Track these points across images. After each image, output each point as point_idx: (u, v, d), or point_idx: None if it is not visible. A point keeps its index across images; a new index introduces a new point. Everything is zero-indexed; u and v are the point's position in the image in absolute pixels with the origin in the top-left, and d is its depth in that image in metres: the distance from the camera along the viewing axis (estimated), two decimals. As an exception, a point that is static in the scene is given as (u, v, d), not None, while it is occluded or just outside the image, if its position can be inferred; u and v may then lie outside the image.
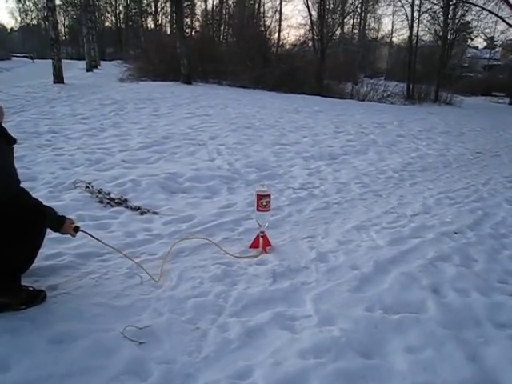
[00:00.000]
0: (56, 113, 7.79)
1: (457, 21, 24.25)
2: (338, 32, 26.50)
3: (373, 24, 40.04)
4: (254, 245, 3.05)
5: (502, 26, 24.44)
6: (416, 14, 23.03)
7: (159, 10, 44.36)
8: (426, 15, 23.86)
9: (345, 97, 18.45)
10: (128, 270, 2.59)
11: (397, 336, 2.11)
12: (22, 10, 49.73)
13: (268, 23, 26.28)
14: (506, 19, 20.93)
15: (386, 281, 2.64)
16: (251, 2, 31.86)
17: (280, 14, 29.66)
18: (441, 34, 23.41)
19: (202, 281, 2.54)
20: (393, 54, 38.06)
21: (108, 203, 3.67)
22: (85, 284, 2.41)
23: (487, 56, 36.72)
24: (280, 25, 28.80)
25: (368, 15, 36.76)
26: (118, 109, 8.68)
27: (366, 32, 37.65)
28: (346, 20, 29.04)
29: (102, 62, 31.20)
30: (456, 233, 3.58)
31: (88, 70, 23.03)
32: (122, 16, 49.68)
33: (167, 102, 10.20)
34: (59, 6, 38.09)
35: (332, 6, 25.81)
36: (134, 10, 48.21)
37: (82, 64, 24.74)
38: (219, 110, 9.76)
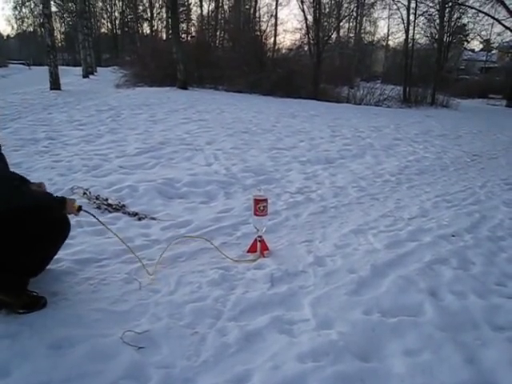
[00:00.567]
0: (53, 119, 7.79)
1: (453, 23, 24.34)
2: (334, 36, 26.59)
3: (368, 27, 40.19)
4: (252, 249, 3.06)
5: (498, 28, 24.69)
6: (412, 17, 23.06)
7: (155, 15, 44.40)
8: (421, 18, 23.92)
9: (341, 101, 18.50)
10: (126, 275, 2.60)
11: (395, 339, 2.12)
12: (18, 17, 49.65)
13: (264, 28, 26.43)
14: (503, 21, 21.07)
15: (384, 284, 2.65)
16: (247, 6, 31.99)
17: (276, 18, 29.80)
18: (437, 36, 23.48)
19: (201, 285, 2.54)
20: (389, 57, 38.20)
21: (106, 209, 3.68)
22: (83, 290, 2.41)
23: (484, 58, 36.86)
24: (276, 29, 28.97)
25: (364, 19, 36.88)
26: (115, 115, 8.69)
27: (362, 35, 37.79)
28: (341, 24, 29.26)
29: (99, 68, 31.24)
30: (453, 236, 3.59)
31: (84, 77, 23.04)
32: (117, 22, 49.78)
33: (164, 107, 10.22)
34: (55, 12, 38.19)
35: (327, 10, 25.99)
36: (129, 16, 48.27)
37: (79, 70, 24.73)
38: (216, 115, 9.79)
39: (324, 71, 20.46)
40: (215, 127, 8.01)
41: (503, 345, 2.13)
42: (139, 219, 3.57)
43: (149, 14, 44.58)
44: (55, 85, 13.21)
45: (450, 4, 22.14)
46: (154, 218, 3.61)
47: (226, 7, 34.81)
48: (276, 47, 23.75)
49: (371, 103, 18.69)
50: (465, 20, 24.90)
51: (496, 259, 3.20)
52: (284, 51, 22.43)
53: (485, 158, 7.73)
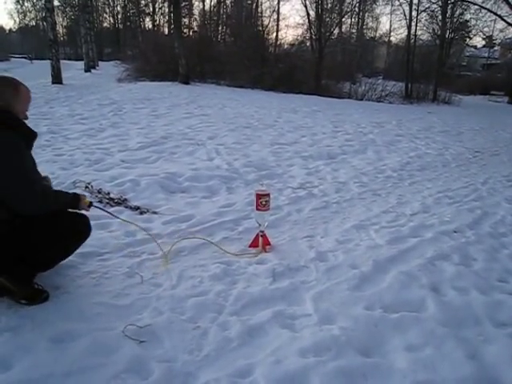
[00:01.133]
0: (55, 113, 7.79)
1: (455, 20, 24.27)
2: (336, 31, 26.45)
3: (371, 23, 40.02)
4: (254, 244, 3.06)
5: (500, 25, 24.44)
6: (414, 13, 23.03)
7: (157, 10, 44.27)
8: (424, 14, 23.88)
9: (343, 96, 18.45)
10: (128, 269, 2.60)
11: (397, 334, 2.12)
12: (20, 11, 49.60)
13: (266, 23, 26.26)
14: (505, 18, 20.99)
15: (386, 280, 2.65)
16: (249, 1, 31.81)
17: (278, 13, 29.64)
18: (439, 32, 23.39)
19: (202, 280, 2.54)
20: (391, 53, 38.03)
21: (108, 203, 3.68)
22: (85, 283, 2.41)
23: (486, 55, 36.70)
24: (278, 24, 28.82)
25: (366, 14, 36.73)
26: (117, 109, 8.68)
27: (364, 31, 37.63)
28: (343, 19, 29.03)
29: (100, 63, 31.13)
30: (455, 232, 3.59)
31: (86, 71, 22.96)
32: (119, 16, 49.62)
33: (166, 102, 10.20)
34: (57, 6, 38.01)
35: (330, 5, 25.77)
36: (131, 11, 48.10)
37: (81, 64, 24.66)
38: (217, 109, 9.77)
39: (326, 67, 20.38)
40: (217, 122, 8.00)
41: (505, 341, 2.13)
42: (141, 213, 3.57)
43: (151, 9, 44.48)
44: (57, 79, 13.19)
45: (453, 0, 22.03)
46: (155, 212, 3.61)
47: (228, 2, 34.65)
48: (278, 42, 23.73)
49: (373, 99, 18.65)
50: (467, 16, 24.90)
51: (498, 255, 3.19)
52: (286, 46, 22.43)
53: (487, 154, 7.71)
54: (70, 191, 2.53)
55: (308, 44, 22.47)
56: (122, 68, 19.11)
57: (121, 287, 2.40)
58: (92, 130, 6.53)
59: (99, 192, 3.85)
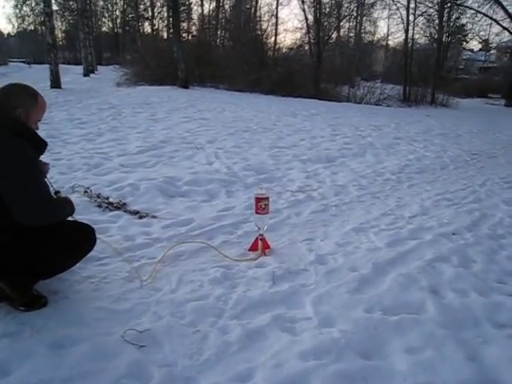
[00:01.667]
0: (54, 118, 7.79)
1: (452, 23, 24.37)
2: (335, 35, 26.57)
3: (369, 27, 40.05)
4: (253, 247, 3.06)
5: (496, 29, 24.66)
6: (411, 18, 23.08)
7: (156, 14, 44.44)
8: (421, 18, 23.94)
9: (341, 100, 18.49)
10: (127, 273, 2.59)
11: (396, 337, 2.12)
12: (18, 15, 49.54)
13: (264, 27, 26.27)
14: (501, 22, 21.16)
15: (385, 282, 2.65)
16: (247, 6, 31.91)
17: (276, 17, 29.63)
18: (436, 36, 23.49)
19: (202, 284, 2.54)
20: (389, 56, 38.13)
21: (107, 207, 3.68)
22: (84, 288, 2.41)
23: (482, 58, 36.86)
24: (276, 29, 28.80)
25: (364, 18, 36.82)
26: (116, 113, 8.69)
27: (362, 35, 37.69)
28: (341, 23, 29.15)
29: (99, 67, 31.20)
30: (454, 234, 3.59)
31: (85, 75, 23.01)
32: (118, 21, 49.74)
33: (164, 106, 10.22)
34: (56, 11, 38.22)
35: (328, 9, 25.87)
36: (130, 15, 48.26)
37: (79, 69, 24.69)
38: (216, 113, 9.78)
39: (324, 70, 20.45)
40: (216, 126, 8.01)
41: (504, 342, 2.13)
42: (140, 217, 3.56)
43: (150, 13, 44.65)
44: (56, 83, 13.23)
45: (449, 4, 22.17)
46: (155, 217, 3.60)
47: (226, 6, 34.70)
48: (277, 46, 23.69)
49: (371, 102, 18.69)
50: (463, 20, 24.97)
51: (496, 257, 3.19)
52: (285, 50, 22.42)
53: (484, 156, 7.73)
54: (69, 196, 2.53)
55: (306, 48, 22.54)
56: (121, 72, 19.12)
57: (120, 292, 2.40)
58: (91, 135, 6.54)
59: (98, 196, 3.85)
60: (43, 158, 2.37)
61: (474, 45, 38.24)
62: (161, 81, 16.28)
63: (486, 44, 31.83)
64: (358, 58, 29.74)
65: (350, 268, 2.83)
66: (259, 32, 23.35)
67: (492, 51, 35.61)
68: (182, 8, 35.13)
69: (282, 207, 4.07)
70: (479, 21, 23.12)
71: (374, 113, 13.88)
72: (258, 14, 30.23)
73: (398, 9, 24.52)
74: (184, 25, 36.16)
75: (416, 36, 24.48)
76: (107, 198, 3.84)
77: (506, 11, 20.13)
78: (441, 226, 3.75)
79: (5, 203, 1.99)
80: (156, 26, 44.36)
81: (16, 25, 51.70)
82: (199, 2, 38.08)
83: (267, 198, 3.04)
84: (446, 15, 22.74)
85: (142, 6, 45.16)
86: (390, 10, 28.73)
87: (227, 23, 31.25)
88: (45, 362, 1.81)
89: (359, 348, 2.01)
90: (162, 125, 7.76)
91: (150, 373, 1.80)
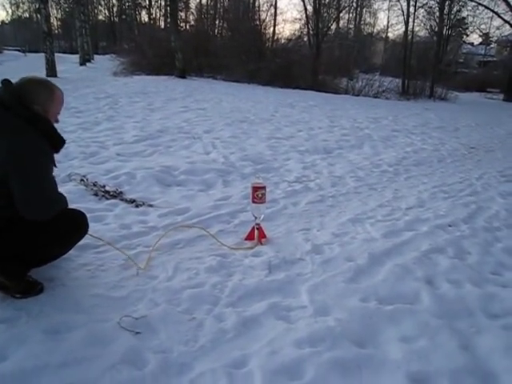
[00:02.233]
0: (50, 106, 7.71)
1: (452, 16, 24.25)
2: (334, 27, 26.42)
3: (368, 19, 40.07)
4: (250, 237, 3.06)
5: (497, 22, 24.69)
6: (412, 9, 22.93)
7: (153, 3, 44.02)
8: (421, 10, 23.82)
9: (340, 92, 18.42)
10: (124, 261, 2.60)
11: (391, 326, 2.13)
12: (13, 2, 49.00)
13: (263, 17, 26.13)
14: (502, 15, 21.07)
15: (381, 272, 2.67)
16: (246, -5, 31.65)
17: (275, 8, 29.41)
18: (436, 29, 23.40)
19: (198, 272, 2.54)
20: (388, 49, 37.99)
21: (103, 196, 3.67)
22: (81, 275, 2.41)
23: (482, 52, 36.78)
24: (275, 19, 28.59)
25: (364, 10, 36.76)
26: (112, 102, 8.63)
27: (362, 27, 37.68)
28: (341, 15, 29.00)
29: (96, 56, 30.92)
30: (450, 226, 3.61)
31: (81, 64, 22.83)
32: (115, 9, 49.32)
33: (161, 96, 10.16)
34: (52, -2, 37.74)
35: (327, 0, 25.71)
36: (127, 4, 47.79)
37: (75, 58, 24.51)
38: (214, 104, 9.74)
39: (323, 62, 20.30)
40: (214, 116, 7.98)
41: (497, 332, 2.15)
42: (136, 206, 3.56)
43: (147, 2, 44.24)
44: (51, 72, 13.12)
45: (450, -4, 22.04)
46: (151, 205, 3.60)
47: (225, -4, 34.44)
48: (275, 37, 23.49)
49: (370, 95, 18.61)
50: (464, 13, 24.92)
51: (492, 249, 3.22)
52: (283, 41, 22.24)
53: (482, 150, 7.74)
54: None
55: (305, 39, 22.37)
56: (118, 61, 18.99)
57: (116, 279, 2.40)
58: (87, 124, 6.50)
59: (95, 185, 3.84)
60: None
61: (474, 38, 38.31)
62: (158, 70, 16.17)
63: (486, 38, 31.73)
64: (357, 49, 29.61)
65: (346, 258, 2.84)
66: (258, 22, 23.18)
67: (492, 45, 35.51)
68: (180, -3, 34.78)
69: (279, 197, 4.07)
70: (480, 14, 23.19)
71: (373, 105, 13.86)
72: (256, 3, 29.97)
73: (398, 0, 24.43)
74: (182, 14, 35.83)
75: (416, 28, 24.45)
76: (104, 187, 3.83)
77: (507, 4, 20.00)
78: (437, 218, 3.77)
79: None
80: (153, 15, 44.02)
81: (10, 12, 51.24)
82: (197, -9, 37.71)
83: (264, 188, 3.04)
84: (446, 7, 22.59)
85: (139, -5, 44.76)
86: (390, 1, 28.77)
87: (225, 13, 30.97)
88: (41, 347, 1.81)
89: (354, 336, 2.03)
90: (159, 114, 7.73)
91: (145, 359, 1.81)
